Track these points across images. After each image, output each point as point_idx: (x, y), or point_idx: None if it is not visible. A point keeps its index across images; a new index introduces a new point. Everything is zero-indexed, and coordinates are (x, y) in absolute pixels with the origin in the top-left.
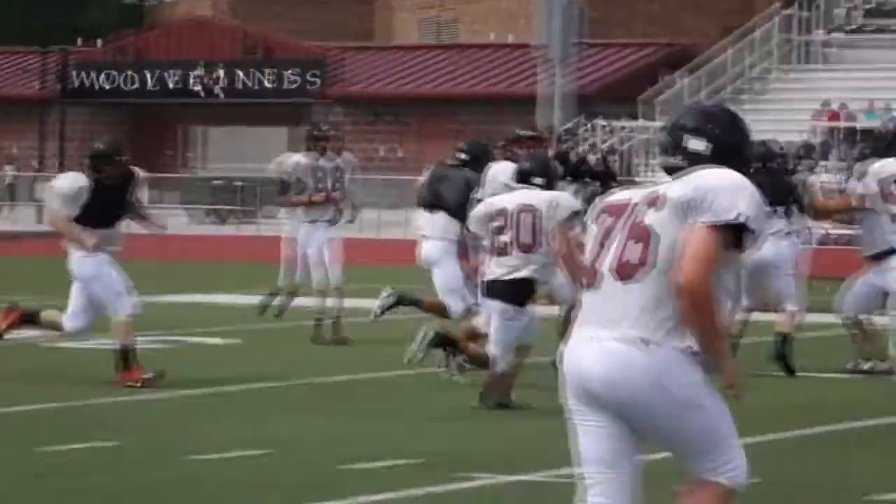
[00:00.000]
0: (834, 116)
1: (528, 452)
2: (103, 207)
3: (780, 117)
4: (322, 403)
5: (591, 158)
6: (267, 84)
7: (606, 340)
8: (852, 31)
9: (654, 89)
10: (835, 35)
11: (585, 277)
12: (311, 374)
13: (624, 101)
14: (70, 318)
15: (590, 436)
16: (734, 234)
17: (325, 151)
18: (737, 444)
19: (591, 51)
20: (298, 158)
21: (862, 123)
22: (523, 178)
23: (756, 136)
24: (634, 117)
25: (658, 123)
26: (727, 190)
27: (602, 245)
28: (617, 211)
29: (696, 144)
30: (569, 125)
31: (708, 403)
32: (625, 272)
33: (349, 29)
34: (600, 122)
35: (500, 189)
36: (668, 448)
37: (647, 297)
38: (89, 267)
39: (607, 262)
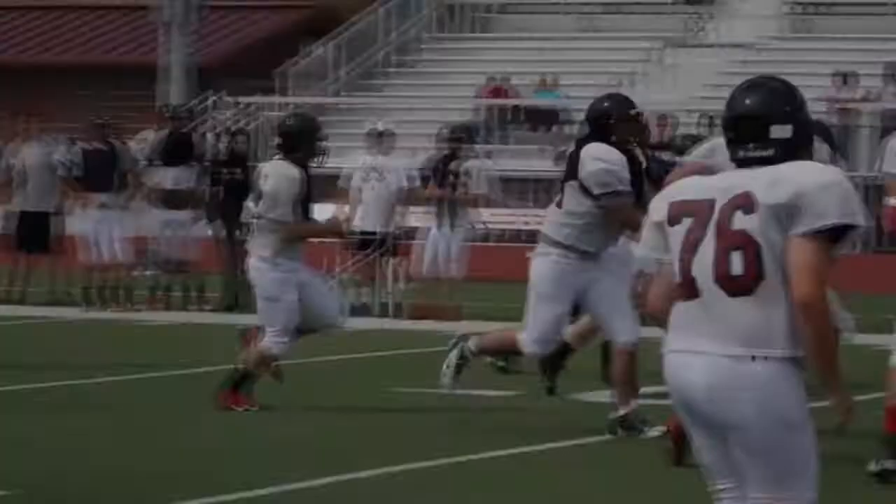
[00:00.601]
0: (497, 92)
1: None
2: None
3: (439, 93)
4: None
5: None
6: None
7: (713, 355)
8: None
9: (291, 61)
10: None
11: (681, 289)
12: None
13: (258, 74)
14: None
15: (704, 449)
16: (838, 236)
17: None
18: (813, 482)
19: (216, 14)
20: None
21: (531, 101)
22: None
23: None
24: (269, 92)
25: (296, 99)
26: (823, 190)
27: (692, 251)
28: (699, 211)
29: (781, 132)
30: (192, 102)
31: (808, 429)
32: (731, 285)
33: None
34: (227, 98)
35: None
36: (749, 469)
37: (756, 310)
38: None
39: (706, 273)
